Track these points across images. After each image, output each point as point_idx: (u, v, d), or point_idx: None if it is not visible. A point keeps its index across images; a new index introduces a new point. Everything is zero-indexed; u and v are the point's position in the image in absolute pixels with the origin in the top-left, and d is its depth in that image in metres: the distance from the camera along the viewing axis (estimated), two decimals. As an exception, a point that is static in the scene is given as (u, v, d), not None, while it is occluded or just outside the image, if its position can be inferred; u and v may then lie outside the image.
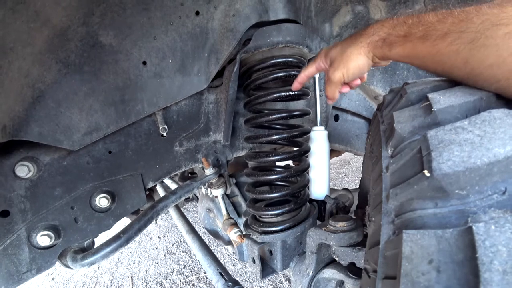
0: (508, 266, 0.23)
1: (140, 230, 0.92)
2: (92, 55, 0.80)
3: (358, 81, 0.79)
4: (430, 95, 0.43)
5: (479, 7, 0.43)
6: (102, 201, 0.93)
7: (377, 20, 0.63)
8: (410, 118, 0.43)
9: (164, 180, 2.00)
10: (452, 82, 0.47)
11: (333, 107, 1.34)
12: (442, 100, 0.40)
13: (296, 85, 0.88)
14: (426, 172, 0.32)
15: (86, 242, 0.95)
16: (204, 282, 2.18)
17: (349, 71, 0.68)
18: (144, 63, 0.86)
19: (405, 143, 0.41)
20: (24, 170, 0.81)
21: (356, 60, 0.65)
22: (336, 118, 1.42)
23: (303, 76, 0.85)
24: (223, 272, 1.15)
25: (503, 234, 0.24)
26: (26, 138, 0.76)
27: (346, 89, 0.80)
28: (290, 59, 0.93)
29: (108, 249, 0.88)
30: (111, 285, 2.33)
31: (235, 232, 1.09)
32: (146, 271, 2.44)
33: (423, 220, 0.31)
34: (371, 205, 0.46)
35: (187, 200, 2.37)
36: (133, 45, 0.83)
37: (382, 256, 0.33)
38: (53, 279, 2.51)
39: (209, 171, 1.05)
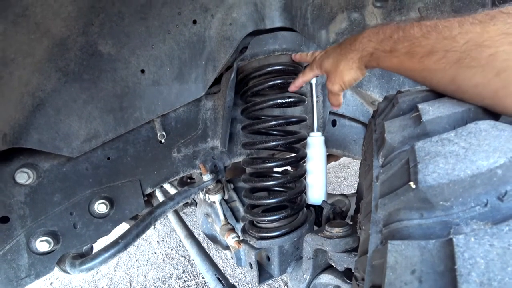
0: (485, 278, 0.24)
1: (138, 235, 0.93)
2: (91, 63, 0.81)
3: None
4: (420, 106, 0.44)
5: (462, 21, 0.43)
6: (100, 207, 0.93)
7: (366, 29, 0.65)
8: (401, 128, 0.44)
9: (163, 185, 2.00)
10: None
11: (330, 113, 1.35)
12: (431, 111, 0.41)
13: (292, 88, 0.93)
14: (412, 184, 0.33)
15: (84, 248, 0.95)
16: (202, 287, 2.18)
17: (346, 84, 0.73)
18: (142, 71, 0.87)
19: (395, 153, 0.42)
20: (24, 177, 0.82)
21: (350, 74, 0.70)
22: (334, 123, 1.44)
23: (300, 81, 0.90)
24: (221, 277, 1.16)
25: (482, 246, 0.25)
26: (26, 146, 0.77)
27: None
28: (286, 67, 0.95)
29: (106, 255, 0.88)
30: (109, 290, 2.33)
31: (233, 238, 1.09)
32: (145, 276, 2.44)
33: (408, 230, 0.32)
34: (362, 213, 0.47)
35: (186, 204, 2.37)
36: (132, 53, 0.85)
37: (370, 265, 0.34)
38: (51, 283, 2.50)
39: (206, 177, 1.06)
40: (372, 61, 0.62)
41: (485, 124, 0.36)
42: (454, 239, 0.26)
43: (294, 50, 0.95)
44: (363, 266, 0.36)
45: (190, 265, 2.47)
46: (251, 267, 1.01)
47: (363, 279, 0.36)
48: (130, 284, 2.36)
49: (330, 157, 1.95)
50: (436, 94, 0.48)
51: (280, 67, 0.94)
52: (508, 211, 0.28)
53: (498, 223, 0.26)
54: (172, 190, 1.90)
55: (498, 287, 0.23)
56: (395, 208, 0.35)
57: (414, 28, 0.50)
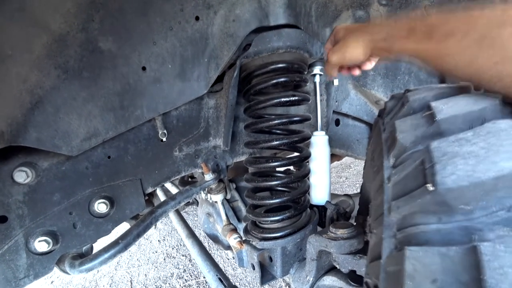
0: None
1: (138, 236, 0.92)
2: (91, 60, 0.79)
3: (357, 72, 0.82)
4: (433, 104, 0.42)
5: (482, 9, 0.44)
6: (100, 207, 0.92)
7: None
8: (413, 128, 0.42)
9: (165, 184, 1.99)
10: (455, 90, 0.47)
11: (334, 112, 1.33)
12: (445, 109, 0.40)
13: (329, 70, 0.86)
14: (429, 186, 0.32)
15: (84, 248, 0.94)
16: (203, 287, 2.17)
17: (346, 58, 0.72)
18: (144, 68, 0.85)
19: (408, 153, 0.40)
20: (22, 176, 0.81)
21: (353, 51, 0.69)
22: (337, 122, 1.42)
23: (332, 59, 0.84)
24: (222, 277, 1.14)
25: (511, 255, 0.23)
26: (24, 144, 0.76)
27: (345, 72, 0.84)
28: (290, 64, 0.93)
29: (106, 255, 0.87)
30: (110, 289, 2.32)
31: (235, 238, 1.08)
32: (146, 275, 2.43)
33: (426, 235, 0.30)
34: (372, 216, 0.45)
35: (187, 204, 2.36)
36: (133, 50, 0.83)
37: (384, 271, 0.32)
38: (52, 282, 2.49)
39: (208, 176, 1.04)
40: (383, 46, 0.61)
41: (504, 123, 0.34)
42: (480, 247, 0.25)
43: (298, 48, 0.93)
44: (376, 272, 0.34)
45: (191, 265, 2.46)
46: (253, 268, 1.00)
47: (376, 286, 0.34)
48: (131, 283, 2.35)
49: (333, 157, 1.93)
50: (449, 91, 0.47)
51: (284, 65, 0.92)
52: (535, 216, 0.26)
53: (525, 230, 0.25)
54: (173, 190, 1.89)
55: (530, 300, 0.21)
56: (410, 211, 0.33)
57: (432, 17, 0.51)
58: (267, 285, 2.07)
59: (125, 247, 0.88)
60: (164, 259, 2.62)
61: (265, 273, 1.01)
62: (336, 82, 1.23)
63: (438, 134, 0.38)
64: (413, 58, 0.55)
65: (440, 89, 0.49)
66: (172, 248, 2.78)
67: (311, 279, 0.90)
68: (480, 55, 0.43)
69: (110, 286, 2.35)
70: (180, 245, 2.78)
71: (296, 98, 0.91)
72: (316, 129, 1.13)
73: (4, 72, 0.69)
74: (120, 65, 0.83)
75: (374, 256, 0.37)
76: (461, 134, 0.34)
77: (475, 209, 0.28)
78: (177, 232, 2.89)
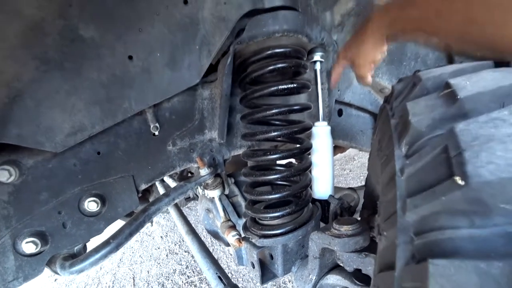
0: None
1: (131, 235, 0.87)
2: (72, 50, 0.74)
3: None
4: (452, 81, 0.35)
5: None
6: (91, 205, 0.87)
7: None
8: (428, 109, 0.35)
9: (165, 179, 1.95)
10: (477, 66, 0.40)
11: (336, 101, 1.27)
12: (469, 86, 0.33)
13: (335, 85, 0.98)
14: (458, 179, 0.25)
15: (76, 248, 0.90)
16: (206, 283, 2.14)
17: (375, 61, 0.75)
18: (130, 57, 0.80)
19: (424, 139, 0.33)
20: (5, 175, 0.76)
21: (372, 51, 0.72)
22: (340, 112, 1.35)
23: (336, 77, 0.93)
24: (222, 275, 1.10)
25: None
26: (4, 141, 0.71)
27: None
28: (288, 49, 0.87)
29: (97, 256, 0.83)
30: (113, 285, 2.31)
31: (233, 236, 1.03)
32: (148, 272, 2.41)
33: (454, 243, 0.24)
34: (381, 215, 0.39)
35: (188, 199, 2.32)
36: (117, 38, 0.77)
37: (399, 286, 0.27)
38: (55, 280, 2.49)
39: (204, 171, 0.99)
40: (394, 30, 0.64)
41: (546, 101, 0.27)
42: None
43: (296, 32, 0.86)
44: (387, 285, 0.29)
45: (194, 261, 2.43)
46: (253, 267, 0.95)
47: (388, 304, 0.28)
48: (134, 280, 2.34)
49: (336, 149, 1.87)
50: (470, 68, 0.40)
51: (281, 50, 0.85)
52: None
53: None
54: (173, 185, 1.85)
55: None
56: (432, 211, 0.27)
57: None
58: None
59: (117, 247, 0.84)
60: (167, 256, 2.60)
61: (266, 272, 0.97)
62: (338, 69, 1.16)
63: (462, 115, 0.31)
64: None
65: (460, 65, 0.42)
66: (175, 244, 2.76)
67: (314, 277, 0.85)
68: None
69: (112, 283, 2.34)
70: (183, 241, 2.76)
71: (295, 85, 0.85)
72: (318, 120, 1.07)
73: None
74: (104, 55, 0.77)
75: (385, 265, 0.31)
76: (495, 113, 0.28)
77: (523, 210, 0.22)
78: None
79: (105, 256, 0.83)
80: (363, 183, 1.24)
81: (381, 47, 0.71)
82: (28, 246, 0.80)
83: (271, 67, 0.84)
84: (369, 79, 0.82)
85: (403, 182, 0.33)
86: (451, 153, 0.27)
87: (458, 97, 0.32)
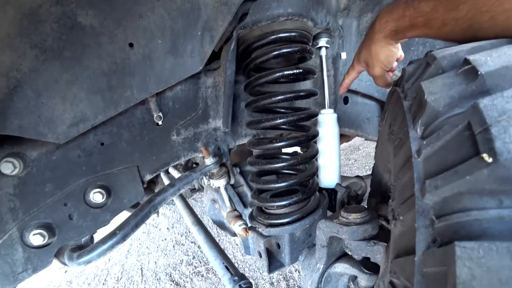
0: None
1: (137, 226, 0.87)
2: (71, 38, 0.72)
3: (395, 65, 0.85)
4: (471, 57, 0.33)
5: None
6: (96, 196, 0.87)
7: (380, 12, 0.70)
8: (446, 87, 0.33)
9: (170, 170, 1.95)
10: (496, 43, 0.38)
11: (342, 88, 1.24)
12: (490, 61, 0.31)
13: (342, 90, 0.97)
14: (485, 157, 0.23)
15: (83, 239, 0.90)
16: (213, 273, 2.16)
17: (385, 63, 0.77)
18: (131, 45, 0.77)
19: (442, 118, 0.31)
20: (9, 167, 0.76)
21: (384, 53, 0.74)
22: (346, 100, 1.32)
23: (347, 82, 0.94)
24: (229, 265, 1.10)
25: None
26: (5, 133, 0.70)
27: (391, 74, 0.87)
28: (293, 34, 0.84)
29: (104, 247, 0.83)
30: (121, 276, 2.34)
31: (240, 225, 1.02)
32: (156, 262, 2.44)
33: (482, 225, 0.22)
34: (396, 199, 0.37)
35: (194, 190, 2.32)
36: (117, 25, 0.75)
37: (420, 272, 0.25)
38: (65, 271, 2.53)
39: (209, 160, 0.98)
40: (398, 35, 0.68)
41: None
42: None
43: (301, 15, 0.84)
44: (406, 272, 0.27)
45: (200, 251, 2.45)
46: (260, 256, 0.95)
47: (407, 288, 0.27)
48: (142, 270, 2.37)
49: (341, 138, 1.84)
50: (488, 44, 0.38)
51: (286, 34, 0.83)
52: None
53: None
54: (178, 176, 1.84)
55: None
56: (455, 191, 0.25)
57: (421, 4, 0.57)
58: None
59: (123, 238, 0.83)
60: (174, 246, 2.62)
61: (273, 261, 0.96)
62: (343, 55, 1.13)
63: (484, 92, 0.29)
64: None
65: (475, 44, 0.40)
66: (181, 235, 2.78)
67: (322, 266, 0.84)
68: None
69: (121, 274, 2.37)
70: (189, 232, 2.78)
71: (301, 70, 0.83)
72: (324, 107, 1.05)
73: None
74: (104, 42, 0.75)
75: (403, 250, 0.30)
76: (521, 87, 0.26)
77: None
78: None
79: (112, 247, 0.83)
80: (369, 172, 1.21)
81: (392, 45, 0.72)
82: (36, 238, 0.81)
83: (276, 52, 0.81)
84: (387, 79, 0.82)
85: (420, 163, 0.31)
86: (476, 130, 0.25)
87: (479, 72, 0.30)
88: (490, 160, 0.23)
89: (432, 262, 0.24)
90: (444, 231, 0.25)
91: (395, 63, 0.83)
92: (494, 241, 0.20)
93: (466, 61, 0.33)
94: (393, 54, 0.75)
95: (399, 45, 0.76)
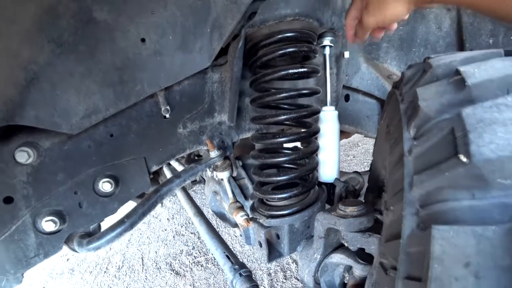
0: None
1: (144, 214, 0.91)
2: (86, 33, 0.74)
3: (395, 25, 0.75)
4: (461, 68, 0.37)
5: None
6: (105, 186, 0.91)
7: None
8: (438, 95, 0.37)
9: (171, 163, 1.99)
10: (487, 54, 0.41)
11: (344, 87, 1.27)
12: (478, 73, 0.35)
13: (350, 36, 0.82)
14: (462, 157, 0.28)
15: (92, 227, 0.94)
16: (212, 263, 2.22)
17: (386, 19, 0.65)
18: (143, 40, 0.80)
19: (432, 122, 0.35)
20: (24, 156, 0.79)
21: (394, 9, 0.62)
22: (347, 98, 1.36)
23: (351, 23, 0.79)
24: (230, 255, 1.15)
25: None
26: (22, 123, 0.73)
27: (380, 34, 0.78)
28: (299, 34, 0.87)
29: (113, 234, 0.87)
30: (122, 265, 2.40)
31: (241, 216, 1.06)
32: (156, 252, 2.49)
33: (456, 213, 0.27)
34: (389, 192, 0.41)
35: (194, 182, 2.37)
36: (130, 21, 0.78)
37: (404, 252, 0.29)
38: (68, 260, 2.59)
39: (214, 153, 1.01)
40: None
41: (549, 88, 0.29)
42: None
43: (308, 16, 0.86)
44: (394, 253, 0.31)
45: (200, 242, 2.51)
46: (260, 246, 0.99)
47: (394, 268, 0.31)
48: (142, 260, 2.42)
49: (341, 134, 1.88)
50: (480, 55, 0.41)
51: (292, 34, 0.85)
52: None
53: None
54: (180, 168, 1.88)
55: None
56: (437, 186, 0.30)
57: None
58: (274, 262, 2.11)
59: (131, 226, 0.87)
60: (174, 237, 2.67)
61: (272, 251, 1.01)
62: (347, 54, 1.17)
63: (469, 101, 0.33)
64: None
65: (470, 53, 0.44)
66: (181, 226, 2.83)
67: (319, 256, 0.89)
68: None
69: (122, 263, 2.43)
70: (189, 223, 2.83)
71: (305, 69, 0.86)
72: (325, 104, 1.08)
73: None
74: (118, 37, 0.78)
75: (392, 235, 0.34)
76: (500, 99, 0.30)
77: (516, 184, 0.25)
78: (185, 210, 2.93)
79: (120, 234, 0.87)
80: (367, 168, 1.26)
81: (408, 5, 0.62)
82: (48, 225, 0.84)
83: (281, 51, 0.85)
84: (365, 36, 0.75)
85: (410, 161, 0.35)
86: (457, 134, 0.29)
87: (466, 84, 0.34)
88: (466, 160, 0.27)
89: (415, 244, 0.29)
90: (426, 218, 0.29)
91: (381, 34, 0.77)
92: (463, 225, 0.24)
93: (457, 72, 0.37)
94: (400, 16, 0.65)
95: (409, 12, 0.65)
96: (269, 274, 2.01)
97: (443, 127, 0.33)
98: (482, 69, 0.36)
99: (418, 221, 0.30)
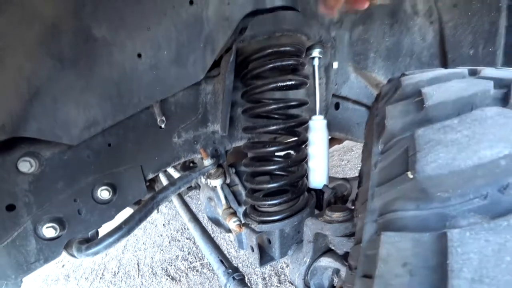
0: (477, 275, 0.23)
1: (141, 220, 0.95)
2: (86, 49, 0.79)
3: (366, 4, 0.77)
4: (424, 90, 0.42)
5: None
6: (103, 193, 0.94)
7: None
8: (402, 114, 0.42)
9: (168, 170, 2.02)
10: (451, 74, 0.46)
11: (334, 95, 1.32)
12: (435, 96, 0.39)
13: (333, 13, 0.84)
14: (409, 174, 0.32)
15: (90, 233, 0.97)
16: (207, 268, 2.24)
17: None
18: (139, 55, 0.85)
19: (395, 140, 0.40)
20: (27, 166, 0.83)
21: None
22: (337, 106, 1.41)
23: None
24: (223, 259, 1.19)
25: (477, 241, 0.24)
26: (26, 135, 0.77)
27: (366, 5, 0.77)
28: (287, 48, 0.92)
29: (110, 240, 0.90)
30: (118, 271, 2.41)
31: (234, 222, 1.10)
32: (152, 258, 2.51)
33: (403, 221, 0.31)
34: (358, 201, 0.46)
35: (190, 188, 2.40)
36: (127, 37, 0.82)
37: (364, 254, 0.34)
38: (63, 266, 2.59)
39: (207, 161, 1.06)
40: None
41: (492, 111, 0.34)
42: (448, 233, 0.26)
43: (296, 31, 0.92)
44: (357, 255, 0.36)
45: (195, 247, 2.53)
46: (253, 250, 1.03)
47: (356, 268, 0.36)
48: (138, 265, 2.44)
49: (333, 140, 1.94)
50: (445, 76, 0.46)
51: (281, 48, 0.91)
52: (509, 204, 0.27)
53: (497, 217, 0.26)
54: (176, 175, 1.92)
55: (490, 284, 0.23)
56: (391, 197, 0.34)
57: None
58: (268, 265, 2.14)
59: (129, 232, 0.91)
60: (169, 242, 2.69)
61: (264, 255, 1.05)
62: (335, 65, 1.22)
63: (426, 121, 0.38)
64: None
65: (436, 73, 0.49)
66: (177, 232, 2.85)
67: (308, 260, 0.93)
68: None
69: (118, 269, 2.44)
70: (184, 228, 2.86)
71: (293, 82, 0.91)
72: (315, 113, 1.13)
73: (-1, 63, 0.70)
74: (115, 52, 0.83)
75: (358, 240, 0.39)
76: (447, 121, 0.35)
77: (452, 197, 0.29)
78: (181, 216, 2.96)
79: (118, 239, 0.91)
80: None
81: None
82: (48, 231, 0.88)
83: (271, 65, 0.90)
84: (340, 2, 0.75)
85: (375, 174, 0.40)
86: (410, 153, 0.34)
87: (425, 105, 0.39)
88: (412, 176, 0.32)
89: (371, 247, 0.33)
90: (382, 225, 0.34)
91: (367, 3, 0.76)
92: (406, 231, 0.29)
93: (419, 93, 0.42)
94: None
95: None
96: (264, 278, 2.05)
97: (402, 145, 0.38)
98: (441, 91, 0.41)
99: (376, 228, 0.35)
